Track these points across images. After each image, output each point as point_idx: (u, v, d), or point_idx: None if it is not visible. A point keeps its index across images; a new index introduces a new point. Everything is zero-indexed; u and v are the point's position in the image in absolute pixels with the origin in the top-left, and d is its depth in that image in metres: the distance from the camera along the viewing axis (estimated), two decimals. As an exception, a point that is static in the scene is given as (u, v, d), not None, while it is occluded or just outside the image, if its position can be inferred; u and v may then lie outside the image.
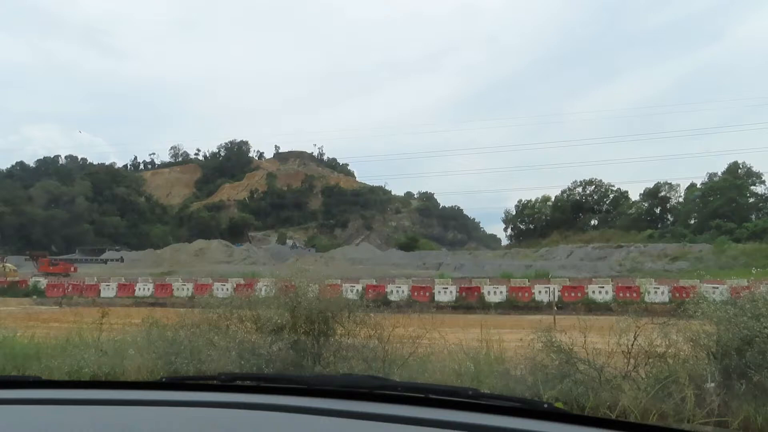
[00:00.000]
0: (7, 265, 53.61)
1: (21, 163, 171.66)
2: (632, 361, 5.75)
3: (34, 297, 32.09)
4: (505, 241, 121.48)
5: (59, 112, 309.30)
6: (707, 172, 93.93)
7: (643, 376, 5.56)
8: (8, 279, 39.53)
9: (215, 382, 1.88)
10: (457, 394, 1.69)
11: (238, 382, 1.89)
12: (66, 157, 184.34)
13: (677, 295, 24.14)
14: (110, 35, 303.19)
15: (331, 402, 1.64)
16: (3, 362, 7.04)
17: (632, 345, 5.74)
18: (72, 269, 57.45)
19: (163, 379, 2.02)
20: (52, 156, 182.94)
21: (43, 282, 35.95)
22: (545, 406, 1.58)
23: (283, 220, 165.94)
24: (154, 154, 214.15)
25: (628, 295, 25.77)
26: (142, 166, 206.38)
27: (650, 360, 5.67)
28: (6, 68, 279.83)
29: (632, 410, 4.83)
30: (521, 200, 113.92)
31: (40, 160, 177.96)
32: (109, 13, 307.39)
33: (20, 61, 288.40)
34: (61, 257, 74.74)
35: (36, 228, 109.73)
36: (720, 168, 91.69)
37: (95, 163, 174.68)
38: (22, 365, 7.19)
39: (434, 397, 1.67)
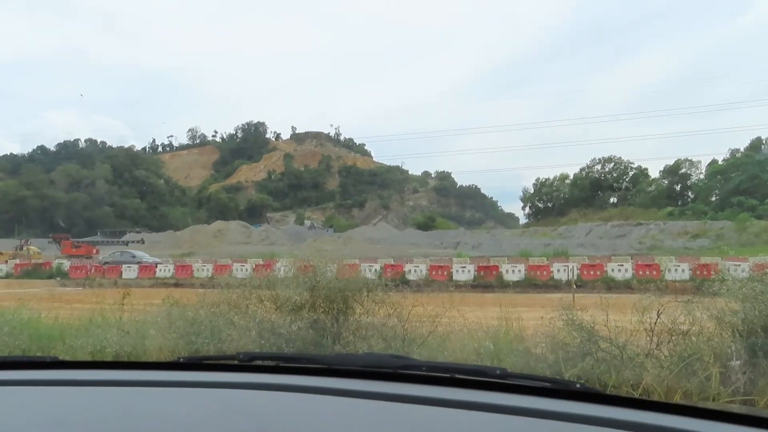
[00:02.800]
0: (31, 247, 54.70)
1: (42, 147, 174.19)
2: (655, 339, 5.66)
3: (58, 278, 32.61)
4: (523, 220, 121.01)
5: (78, 96, 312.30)
6: (729, 149, 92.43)
7: (667, 354, 5.46)
8: (32, 261, 40.27)
9: (234, 362, 1.85)
10: (484, 373, 1.62)
11: (258, 362, 1.85)
12: (85, 141, 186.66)
13: (698, 272, 23.81)
14: (127, 18, 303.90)
15: (353, 382, 1.58)
16: (28, 343, 7.12)
17: (655, 323, 5.65)
18: (94, 251, 58.29)
19: (181, 360, 1.98)
20: (72, 140, 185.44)
21: (66, 264, 36.55)
22: (577, 386, 1.51)
23: (301, 201, 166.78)
24: (172, 136, 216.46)
25: (648, 272, 25.45)
26: (160, 149, 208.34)
27: (673, 338, 5.57)
28: (24, 54, 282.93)
29: (655, 388, 4.76)
30: (539, 178, 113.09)
31: (60, 144, 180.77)
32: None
33: (38, 47, 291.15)
34: (83, 239, 75.85)
35: (58, 211, 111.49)
36: (742, 144, 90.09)
37: (114, 146, 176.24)
38: (46, 345, 7.28)
39: (460, 377, 1.61)
